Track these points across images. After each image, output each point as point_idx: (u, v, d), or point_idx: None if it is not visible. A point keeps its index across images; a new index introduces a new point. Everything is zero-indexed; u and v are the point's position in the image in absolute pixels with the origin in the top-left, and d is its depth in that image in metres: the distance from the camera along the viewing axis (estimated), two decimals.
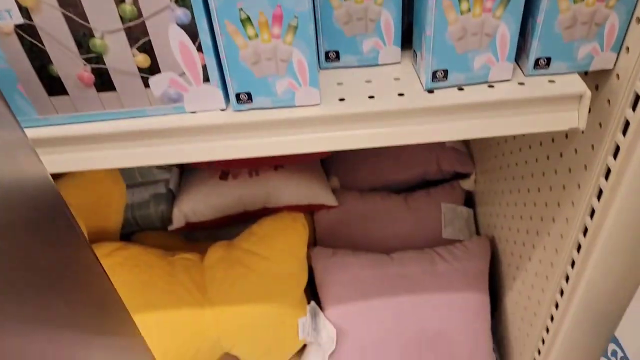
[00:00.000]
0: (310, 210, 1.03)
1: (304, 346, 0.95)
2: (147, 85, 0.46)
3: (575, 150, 0.58)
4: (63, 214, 0.37)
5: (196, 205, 0.99)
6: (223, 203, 0.99)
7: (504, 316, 0.91)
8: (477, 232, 1.03)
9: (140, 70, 0.45)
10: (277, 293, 0.85)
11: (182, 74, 0.46)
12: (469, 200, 1.07)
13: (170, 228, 1.00)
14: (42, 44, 0.43)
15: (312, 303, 0.90)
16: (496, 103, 0.48)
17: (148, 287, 0.83)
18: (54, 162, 0.50)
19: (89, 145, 0.50)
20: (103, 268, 0.43)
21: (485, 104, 0.48)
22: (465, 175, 1.05)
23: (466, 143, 1.08)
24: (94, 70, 0.45)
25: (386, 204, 1.01)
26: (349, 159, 1.08)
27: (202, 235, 1.09)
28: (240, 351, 0.89)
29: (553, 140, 0.65)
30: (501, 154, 0.88)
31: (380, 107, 0.48)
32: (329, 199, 1.00)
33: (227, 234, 0.96)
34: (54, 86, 0.46)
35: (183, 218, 0.99)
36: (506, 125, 0.49)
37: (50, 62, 0.44)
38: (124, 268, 0.83)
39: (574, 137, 0.58)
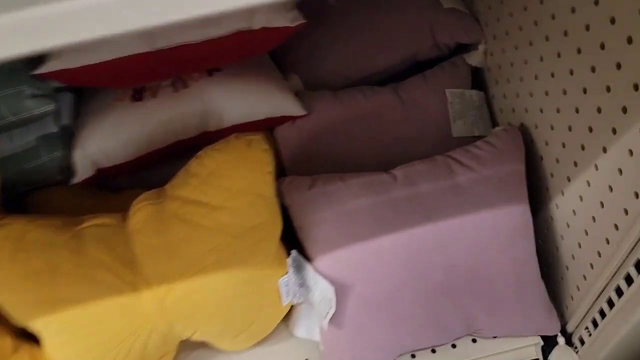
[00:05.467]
0: (268, 127, 0.74)
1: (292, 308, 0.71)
2: None
3: None
4: None
5: (105, 142, 0.68)
6: (143, 134, 0.69)
7: (541, 230, 0.68)
8: (493, 124, 0.78)
9: None
10: (242, 252, 0.59)
11: None
12: (478, 81, 0.80)
13: (74, 181, 0.70)
14: None
15: (294, 253, 0.65)
16: None
17: (46, 277, 0.55)
18: None
19: None
20: None
21: None
22: (470, 47, 0.77)
23: (469, 1, 0.79)
24: None
25: (371, 103, 0.73)
26: (310, 47, 0.78)
27: (128, 182, 0.80)
28: (206, 335, 0.64)
29: None
30: (522, 9, 0.60)
31: None
32: (292, 107, 0.72)
33: (161, 175, 0.68)
34: None
35: (90, 164, 0.69)
36: None
37: None
38: (1, 255, 0.55)
39: None
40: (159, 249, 0.57)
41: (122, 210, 0.62)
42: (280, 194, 0.66)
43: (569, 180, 0.60)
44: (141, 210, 0.58)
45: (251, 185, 0.57)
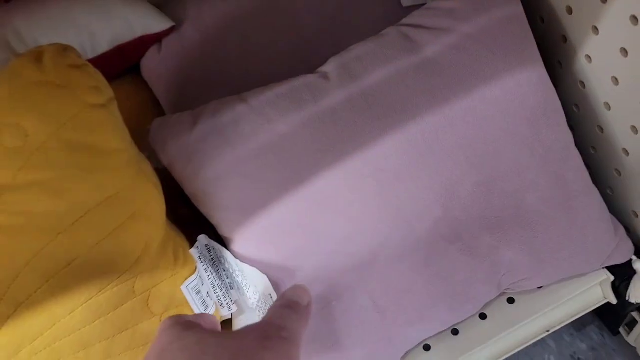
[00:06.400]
0: (127, 65, 0.48)
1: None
2: None
3: None
4: None
5: None
6: None
7: (569, 107, 0.44)
8: None
9: None
10: (90, 255, 0.33)
11: None
12: None
13: None
14: None
15: (203, 239, 0.40)
16: None
17: None
18: None
19: None
20: None
21: None
22: None
23: None
24: None
25: None
26: None
27: None
28: None
29: None
30: None
31: None
32: (147, 22, 0.46)
33: None
34: None
35: None
36: None
37: None
38: None
39: None
40: None
41: None
42: (151, 151, 0.40)
43: (604, 1, 0.36)
44: None
45: (62, 133, 0.31)
